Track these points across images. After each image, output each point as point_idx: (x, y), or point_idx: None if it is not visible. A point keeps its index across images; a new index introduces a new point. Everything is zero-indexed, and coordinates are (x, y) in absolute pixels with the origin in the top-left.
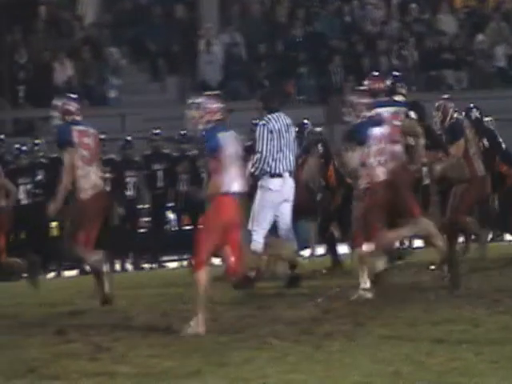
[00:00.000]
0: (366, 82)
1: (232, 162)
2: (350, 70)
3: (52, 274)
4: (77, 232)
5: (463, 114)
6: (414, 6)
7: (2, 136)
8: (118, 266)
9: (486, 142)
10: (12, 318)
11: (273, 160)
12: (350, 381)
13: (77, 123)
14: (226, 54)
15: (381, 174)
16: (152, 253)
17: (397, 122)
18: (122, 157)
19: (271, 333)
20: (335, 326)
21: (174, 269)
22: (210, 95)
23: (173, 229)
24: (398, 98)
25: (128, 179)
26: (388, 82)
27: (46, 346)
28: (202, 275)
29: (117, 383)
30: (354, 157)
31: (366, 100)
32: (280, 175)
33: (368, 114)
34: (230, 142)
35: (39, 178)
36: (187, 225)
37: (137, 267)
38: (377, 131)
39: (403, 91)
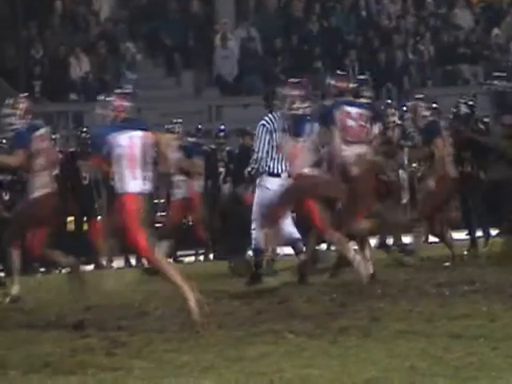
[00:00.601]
0: (332, 81)
1: (132, 161)
2: (366, 65)
3: (68, 269)
4: (20, 231)
5: (454, 110)
6: (430, 0)
7: None
8: (133, 261)
9: (481, 125)
10: (28, 312)
11: (271, 160)
12: (366, 376)
13: (36, 126)
14: (242, 49)
15: (306, 170)
16: (168, 247)
17: (362, 123)
18: None
19: (287, 327)
20: (351, 320)
21: (190, 263)
22: (120, 94)
23: (189, 223)
24: (362, 100)
25: None
26: (353, 85)
27: (62, 341)
28: (166, 264)
29: (133, 378)
30: (288, 145)
31: (297, 92)
32: (278, 175)
33: (305, 106)
34: (127, 143)
35: (56, 172)
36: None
37: None
38: (313, 126)
39: (368, 94)
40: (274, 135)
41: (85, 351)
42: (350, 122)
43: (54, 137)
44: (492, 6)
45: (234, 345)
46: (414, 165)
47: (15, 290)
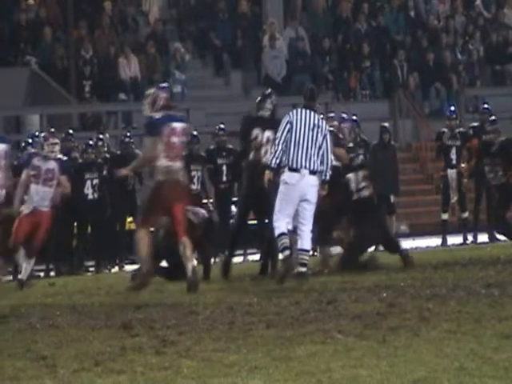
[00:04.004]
0: (159, 93)
1: None
2: (415, 65)
3: (117, 268)
4: None
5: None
6: (478, 0)
7: (71, 131)
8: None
9: None
10: (78, 311)
11: (291, 154)
12: (415, 376)
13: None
14: (290, 49)
15: None
16: (217, 247)
17: (183, 138)
18: (186, 151)
19: (335, 327)
20: (400, 320)
21: (238, 263)
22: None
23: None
24: (262, 112)
25: (193, 173)
26: (259, 98)
27: (112, 340)
28: None
29: (182, 377)
30: None
31: None
32: (297, 170)
33: None
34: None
35: (105, 173)
36: (252, 219)
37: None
38: None
39: (270, 106)
40: (293, 128)
41: (134, 350)
42: (174, 139)
43: (102, 137)
44: None
45: (283, 344)
46: (462, 165)
47: None
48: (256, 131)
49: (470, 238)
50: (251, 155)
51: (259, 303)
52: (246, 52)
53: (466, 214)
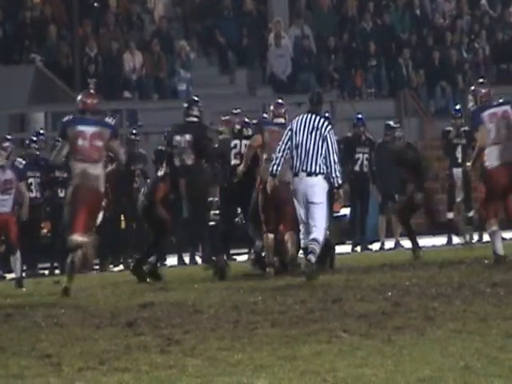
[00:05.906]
0: (80, 97)
1: None
2: (420, 63)
3: (121, 267)
4: None
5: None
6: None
7: None
8: (187, 259)
9: None
10: (83, 309)
11: (292, 160)
12: (420, 375)
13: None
14: (296, 47)
15: None
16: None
17: (98, 143)
18: None
19: (341, 326)
20: (405, 319)
21: (243, 262)
22: None
23: (242, 222)
24: (190, 119)
25: None
26: (185, 105)
27: (117, 338)
28: None
29: (186, 376)
30: None
31: None
32: (297, 174)
33: None
34: None
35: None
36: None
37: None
38: None
39: (196, 113)
40: (293, 133)
41: (139, 349)
42: (81, 142)
43: None
44: None
45: (288, 343)
46: (468, 164)
47: None
48: (177, 138)
49: (475, 237)
50: (176, 161)
51: (264, 302)
52: (252, 50)
53: (471, 213)
